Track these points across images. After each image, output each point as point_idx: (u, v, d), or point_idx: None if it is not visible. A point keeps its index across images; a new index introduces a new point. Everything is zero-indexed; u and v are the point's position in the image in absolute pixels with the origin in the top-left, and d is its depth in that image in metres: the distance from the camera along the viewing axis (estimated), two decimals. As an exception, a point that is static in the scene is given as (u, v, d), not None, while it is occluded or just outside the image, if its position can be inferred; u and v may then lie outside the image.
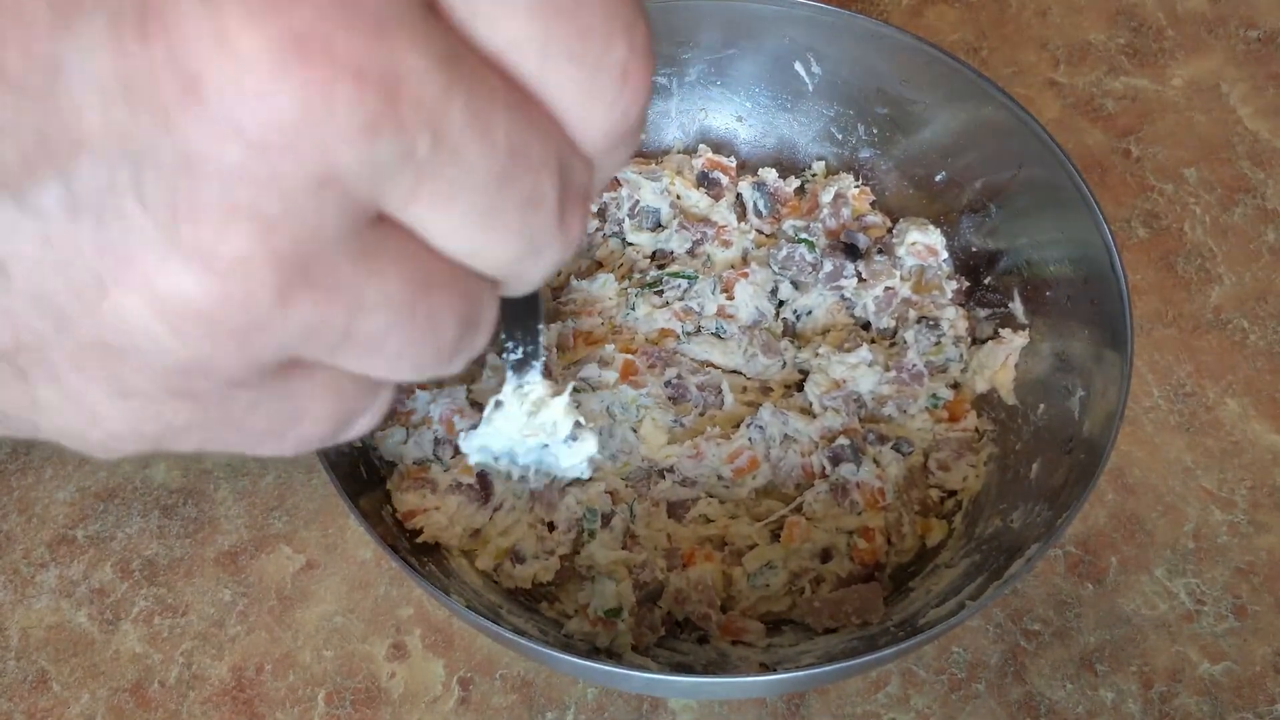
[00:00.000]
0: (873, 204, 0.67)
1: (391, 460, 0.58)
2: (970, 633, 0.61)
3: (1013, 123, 0.59)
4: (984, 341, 0.63)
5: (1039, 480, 0.56)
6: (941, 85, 0.61)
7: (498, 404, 0.48)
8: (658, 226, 0.67)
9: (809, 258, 0.64)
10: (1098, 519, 0.64)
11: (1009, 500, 0.57)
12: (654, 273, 0.65)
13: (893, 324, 0.64)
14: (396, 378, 0.22)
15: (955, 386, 0.63)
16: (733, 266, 0.66)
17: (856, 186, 0.66)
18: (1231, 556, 0.63)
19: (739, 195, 0.68)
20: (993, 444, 0.61)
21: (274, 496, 0.65)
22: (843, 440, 0.59)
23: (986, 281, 0.64)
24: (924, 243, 0.64)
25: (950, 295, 0.64)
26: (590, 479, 0.60)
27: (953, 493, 0.61)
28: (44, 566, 0.63)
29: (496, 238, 0.21)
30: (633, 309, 0.64)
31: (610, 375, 0.60)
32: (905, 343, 0.62)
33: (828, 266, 0.64)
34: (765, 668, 0.54)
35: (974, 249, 0.64)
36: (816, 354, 0.63)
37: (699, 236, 0.66)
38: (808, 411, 0.62)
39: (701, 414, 0.62)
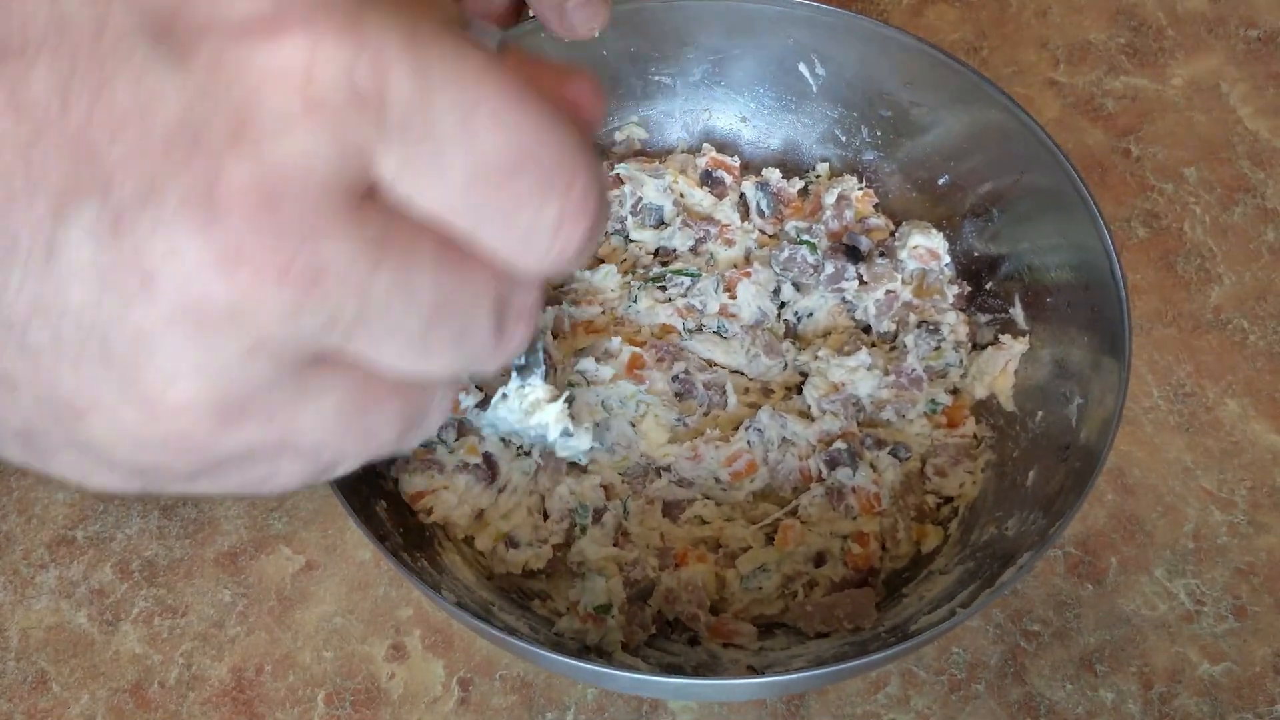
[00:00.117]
0: (876, 206, 0.67)
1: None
2: (970, 633, 0.61)
3: (1016, 127, 0.59)
4: (984, 347, 0.63)
5: (1035, 488, 0.56)
6: (945, 88, 0.61)
7: (503, 395, 0.49)
8: (660, 224, 0.67)
9: (810, 259, 0.64)
10: (1098, 519, 0.64)
11: (1005, 507, 0.57)
12: (657, 269, 0.65)
13: (893, 328, 0.64)
14: (345, 468, 0.26)
15: (954, 392, 0.63)
16: (735, 266, 0.66)
17: (860, 189, 0.66)
18: (1231, 557, 0.63)
19: (742, 195, 0.68)
20: (990, 451, 0.61)
21: (273, 497, 0.65)
22: (840, 444, 0.59)
23: (988, 286, 0.64)
24: (926, 246, 0.64)
25: (951, 300, 0.64)
26: (586, 470, 0.60)
27: (949, 499, 0.61)
28: (44, 567, 0.63)
29: (432, 364, 0.24)
30: (635, 301, 0.64)
31: (606, 371, 0.60)
32: (905, 347, 0.62)
33: (829, 268, 0.64)
34: (754, 670, 0.54)
35: (976, 253, 0.64)
36: (816, 356, 0.62)
37: (702, 235, 0.66)
38: (806, 414, 0.62)
39: (705, 413, 0.62)
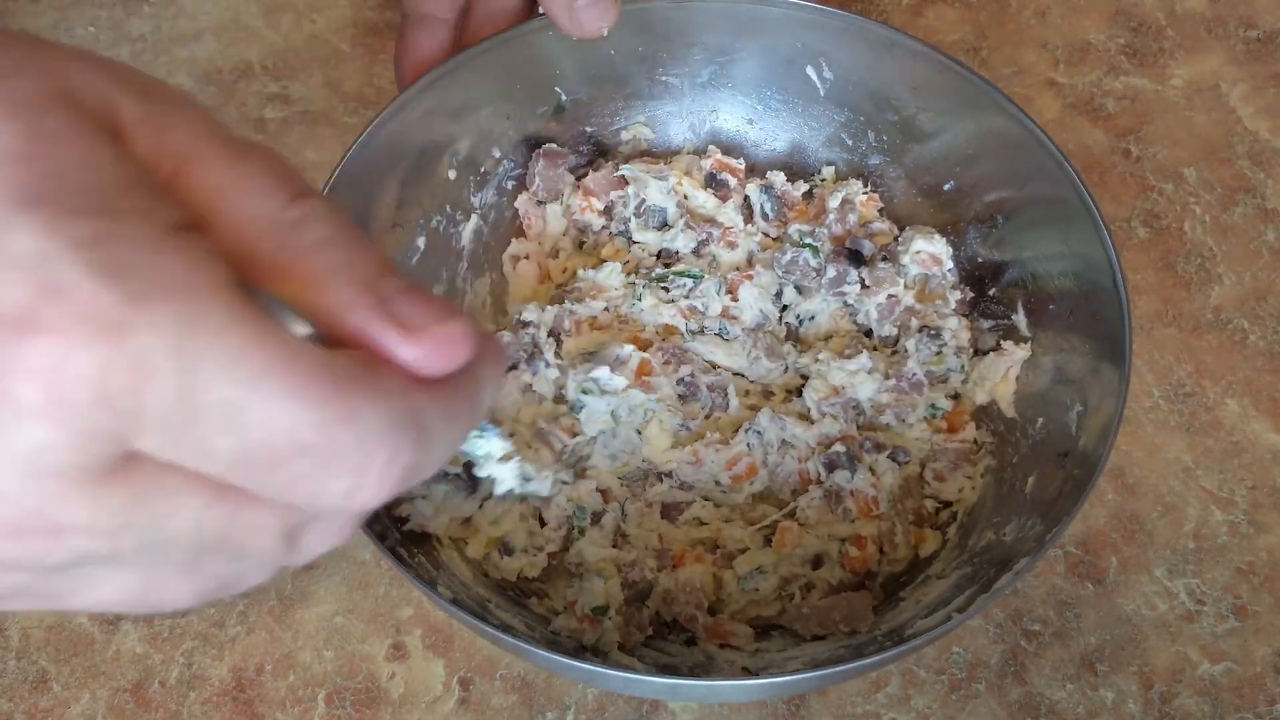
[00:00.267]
0: (880, 211, 0.67)
1: None
2: (970, 633, 0.61)
3: (1023, 136, 0.59)
4: (986, 353, 0.63)
5: (1034, 494, 0.56)
6: (953, 95, 0.61)
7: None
8: (664, 226, 0.67)
9: (813, 263, 0.64)
10: (1098, 519, 0.64)
11: (1004, 513, 0.57)
12: (660, 270, 0.65)
13: (895, 332, 0.64)
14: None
15: (955, 397, 0.63)
16: (738, 268, 0.66)
17: (864, 193, 0.66)
18: (1231, 556, 0.63)
19: (746, 197, 0.67)
20: (990, 456, 0.61)
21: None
22: (839, 447, 0.59)
23: (991, 293, 0.64)
24: (929, 251, 0.64)
25: (954, 305, 0.64)
26: (584, 475, 0.60)
27: (948, 504, 0.61)
28: (44, 566, 0.63)
29: (211, 577, 0.27)
30: (639, 300, 0.64)
31: (619, 381, 0.60)
32: (906, 351, 0.62)
33: (831, 272, 0.64)
34: (748, 672, 0.54)
35: (980, 259, 0.64)
36: (817, 359, 0.62)
37: (705, 237, 0.66)
38: (806, 417, 0.62)
39: (707, 416, 0.62)
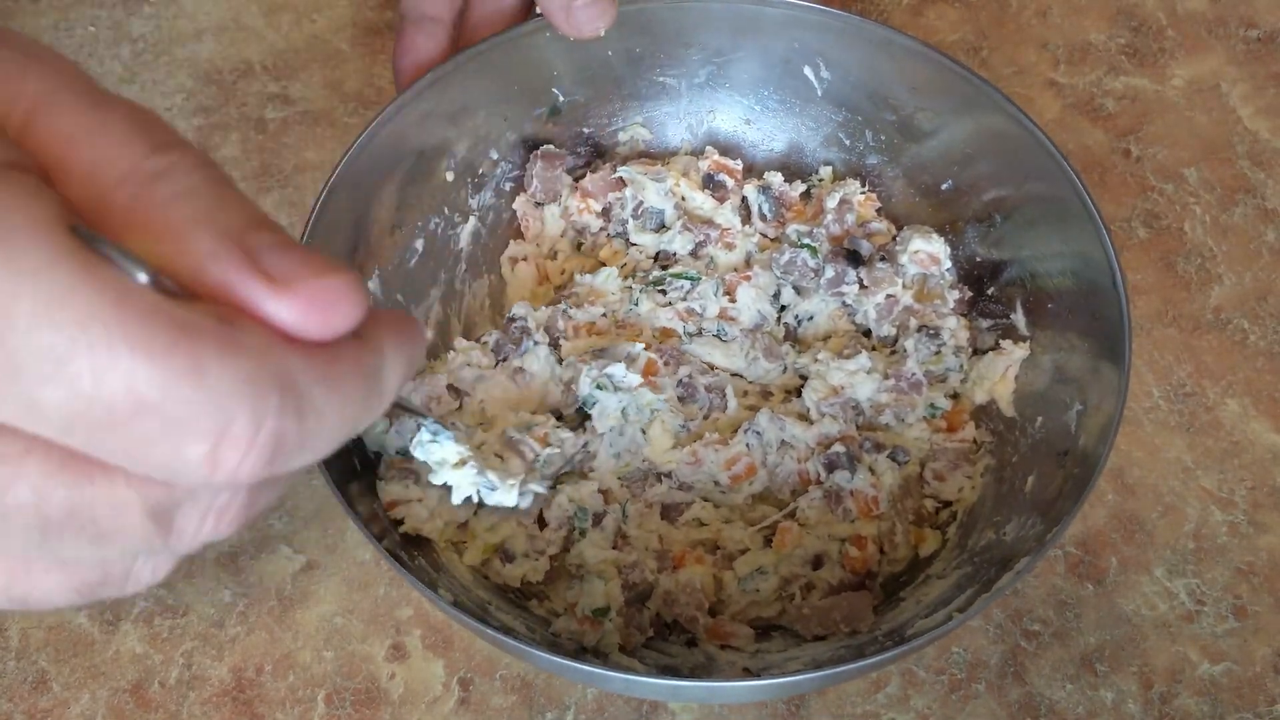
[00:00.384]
0: (878, 211, 0.67)
1: (378, 451, 0.58)
2: (970, 633, 0.61)
3: (1021, 135, 0.58)
4: (985, 352, 0.63)
5: (1034, 493, 0.56)
6: (951, 94, 0.61)
7: (417, 443, 0.48)
8: (661, 227, 0.67)
9: (811, 263, 0.64)
10: (1098, 519, 0.64)
11: (1003, 513, 0.57)
12: (657, 273, 0.65)
13: (894, 332, 0.64)
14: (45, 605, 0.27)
15: (954, 397, 0.63)
16: (735, 269, 0.66)
17: (862, 192, 0.66)
18: (1231, 556, 0.63)
19: (744, 198, 0.67)
20: (989, 456, 0.61)
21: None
22: (839, 448, 0.59)
23: (989, 292, 0.64)
24: (927, 251, 0.63)
25: (952, 305, 0.64)
26: (586, 476, 0.60)
27: (948, 503, 0.61)
28: (44, 567, 0.63)
29: (76, 561, 0.25)
30: (636, 304, 0.64)
31: (633, 378, 0.60)
32: (905, 351, 0.62)
33: (829, 272, 0.64)
34: (749, 673, 0.54)
35: (978, 259, 0.64)
36: (816, 360, 0.62)
37: (702, 238, 0.66)
38: (805, 417, 0.61)
39: (706, 417, 0.62)
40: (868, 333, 0.65)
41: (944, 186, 0.65)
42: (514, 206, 0.68)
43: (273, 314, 0.23)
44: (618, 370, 0.59)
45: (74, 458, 0.22)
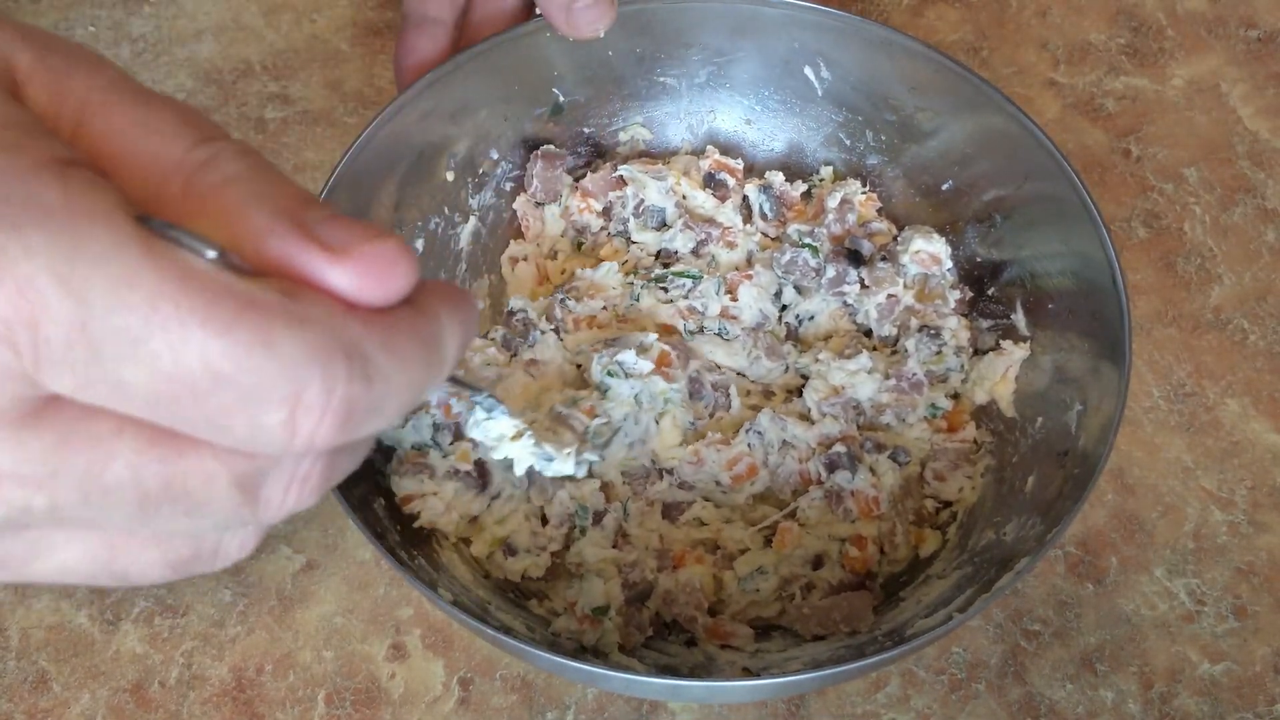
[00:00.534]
0: (879, 210, 0.67)
1: (390, 446, 0.58)
2: (970, 633, 0.61)
3: (1021, 134, 0.59)
4: (985, 352, 0.63)
5: (1034, 493, 0.56)
6: (951, 94, 0.61)
7: (473, 422, 0.49)
8: (662, 226, 0.67)
9: (812, 263, 0.64)
10: (1098, 519, 0.64)
11: (1004, 513, 0.57)
12: (659, 271, 0.65)
13: (894, 332, 0.64)
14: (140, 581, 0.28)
15: (955, 397, 0.63)
16: (737, 268, 0.66)
17: (863, 192, 0.66)
18: (1231, 556, 0.63)
19: (745, 198, 0.67)
20: (990, 456, 0.61)
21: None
22: (839, 448, 0.59)
23: (990, 292, 0.64)
24: (928, 251, 0.63)
25: (953, 305, 0.64)
26: (588, 474, 0.60)
27: (948, 503, 0.61)
28: (44, 567, 0.63)
29: (172, 531, 0.25)
30: (637, 300, 0.64)
31: (645, 365, 0.59)
32: (906, 351, 0.62)
33: (830, 272, 0.64)
34: (749, 673, 0.54)
35: (978, 259, 0.64)
36: (817, 360, 0.62)
37: (704, 237, 0.66)
38: (806, 417, 0.61)
39: (711, 415, 0.62)
40: (868, 333, 0.65)
41: (944, 186, 0.65)
42: (514, 206, 0.68)
43: (333, 282, 0.24)
44: (628, 357, 0.59)
45: (163, 434, 0.23)
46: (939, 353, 0.62)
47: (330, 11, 0.81)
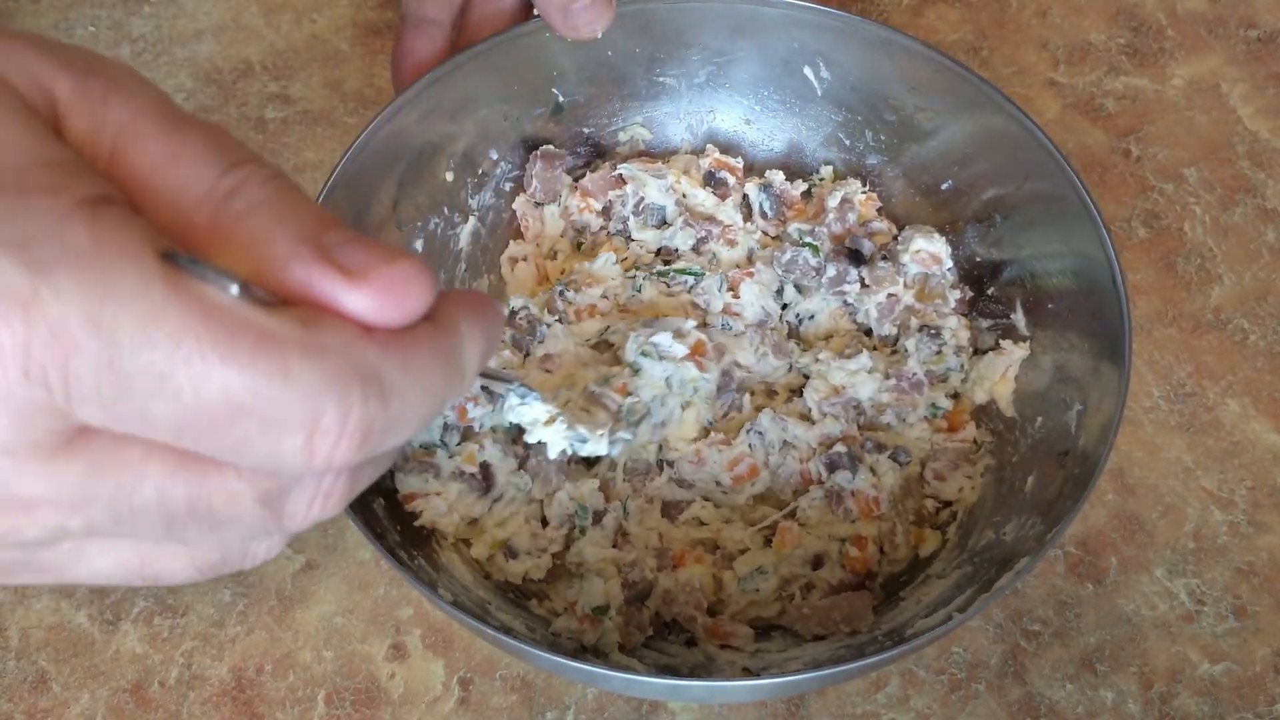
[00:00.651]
0: (879, 210, 0.67)
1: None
2: (970, 633, 0.61)
3: (1021, 134, 0.58)
4: (985, 352, 0.63)
5: (1034, 493, 0.56)
6: (951, 94, 0.61)
7: (507, 406, 0.51)
8: (663, 224, 0.67)
9: (813, 262, 0.64)
10: (1098, 519, 0.64)
11: (1004, 512, 0.57)
12: (661, 267, 0.65)
13: (894, 331, 0.64)
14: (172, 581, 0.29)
15: (955, 397, 0.63)
16: (738, 266, 0.66)
17: (863, 192, 0.66)
18: (1231, 556, 0.63)
19: (745, 196, 0.67)
20: (990, 456, 0.61)
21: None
22: (840, 448, 0.59)
23: (990, 292, 0.64)
24: (928, 250, 0.63)
25: (953, 304, 0.64)
26: (591, 469, 0.60)
27: (948, 503, 0.61)
28: (44, 567, 0.63)
29: (198, 547, 0.27)
30: (638, 291, 0.64)
31: (680, 349, 0.59)
32: (906, 351, 0.62)
33: (831, 271, 0.64)
34: (749, 672, 0.54)
35: (978, 259, 0.64)
36: (817, 359, 0.62)
37: (704, 234, 0.66)
38: (806, 417, 0.61)
39: (724, 415, 0.62)
40: (869, 332, 0.65)
41: (944, 186, 0.65)
42: (514, 206, 0.68)
43: (351, 306, 0.25)
44: (664, 340, 0.59)
45: (189, 457, 0.25)
46: (939, 352, 0.62)
47: (330, 11, 0.81)
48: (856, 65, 0.64)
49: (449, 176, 0.64)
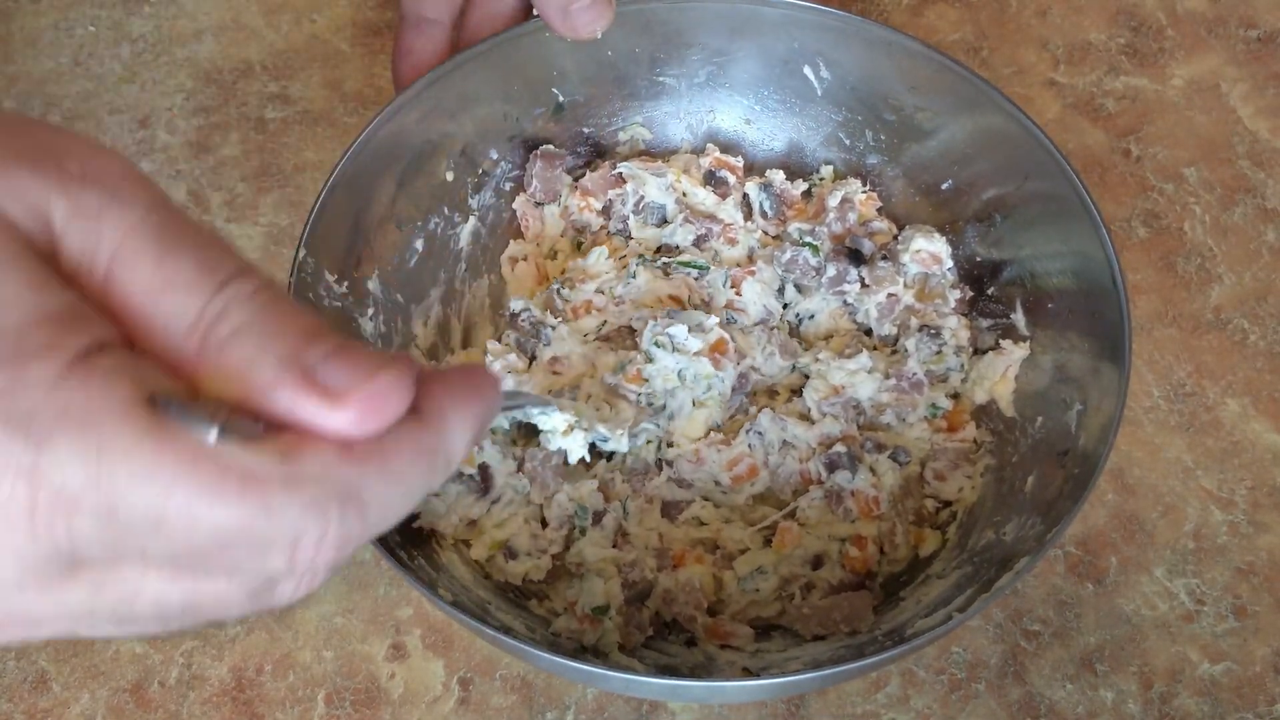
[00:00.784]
0: (879, 210, 0.67)
1: None
2: (970, 633, 0.61)
3: (1021, 134, 0.58)
4: (985, 352, 0.63)
5: (1034, 493, 0.56)
6: (951, 94, 0.61)
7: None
8: (663, 223, 0.67)
9: (813, 261, 0.64)
10: (1098, 519, 0.64)
11: (1003, 512, 0.57)
12: (664, 260, 0.65)
13: (894, 331, 0.64)
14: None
15: (955, 396, 0.63)
16: (739, 264, 0.66)
17: (863, 192, 0.66)
18: (1231, 556, 0.63)
19: (745, 196, 0.67)
20: (990, 455, 0.61)
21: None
22: (840, 448, 0.59)
23: (990, 292, 0.64)
24: (929, 250, 0.63)
25: (953, 304, 0.64)
26: (589, 470, 0.60)
27: (948, 503, 0.61)
28: (44, 567, 0.63)
29: (196, 624, 0.30)
30: (634, 278, 0.63)
31: (695, 343, 0.59)
32: (906, 351, 0.62)
33: (831, 271, 0.64)
34: (749, 672, 0.54)
35: (978, 258, 0.64)
36: (817, 359, 0.62)
37: (704, 231, 0.66)
38: (806, 417, 0.61)
39: (731, 417, 0.62)
40: (869, 332, 0.65)
41: (944, 186, 0.65)
42: (514, 206, 0.68)
43: (332, 426, 0.27)
44: (679, 331, 0.59)
45: (183, 570, 0.27)
46: (939, 352, 0.62)
47: (330, 11, 0.81)
48: (856, 65, 0.64)
49: (449, 176, 0.64)
